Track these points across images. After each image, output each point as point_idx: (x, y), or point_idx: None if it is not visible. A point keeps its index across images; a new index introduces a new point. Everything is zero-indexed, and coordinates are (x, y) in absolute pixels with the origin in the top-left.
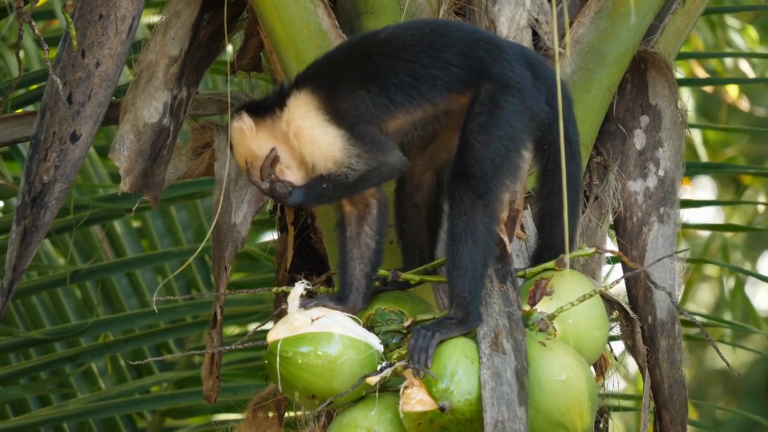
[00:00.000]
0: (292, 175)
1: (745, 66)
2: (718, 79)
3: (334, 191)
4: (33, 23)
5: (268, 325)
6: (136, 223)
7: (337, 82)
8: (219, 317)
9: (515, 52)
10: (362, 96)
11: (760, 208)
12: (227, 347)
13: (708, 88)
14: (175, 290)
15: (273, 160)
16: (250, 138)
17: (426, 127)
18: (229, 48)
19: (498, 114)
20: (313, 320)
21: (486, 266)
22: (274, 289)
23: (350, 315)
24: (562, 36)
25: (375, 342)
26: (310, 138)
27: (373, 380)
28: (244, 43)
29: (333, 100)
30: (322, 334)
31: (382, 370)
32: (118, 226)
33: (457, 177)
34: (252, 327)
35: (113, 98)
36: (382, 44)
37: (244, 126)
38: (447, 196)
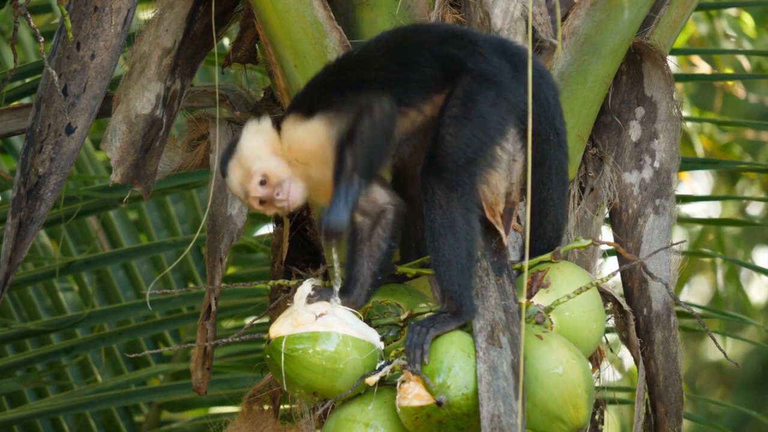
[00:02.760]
0: (294, 187)
1: (741, 55)
2: (714, 75)
3: (364, 150)
4: (29, 16)
5: (264, 320)
6: (132, 216)
7: (315, 102)
8: (213, 308)
9: (491, 45)
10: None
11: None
12: (225, 340)
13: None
14: (172, 282)
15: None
16: (265, 145)
17: (418, 136)
18: (225, 41)
19: (470, 107)
20: (317, 317)
21: (471, 257)
22: (270, 282)
23: (351, 309)
24: (556, 28)
25: (376, 339)
26: (300, 134)
27: (372, 381)
28: (239, 35)
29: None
30: (324, 333)
31: (380, 369)
32: (114, 218)
33: (429, 170)
34: (247, 320)
35: (108, 90)
36: (355, 62)
37: (264, 132)
38: (420, 190)
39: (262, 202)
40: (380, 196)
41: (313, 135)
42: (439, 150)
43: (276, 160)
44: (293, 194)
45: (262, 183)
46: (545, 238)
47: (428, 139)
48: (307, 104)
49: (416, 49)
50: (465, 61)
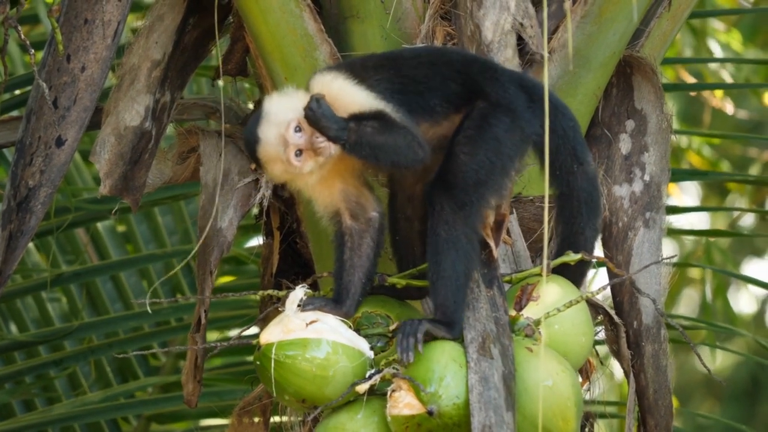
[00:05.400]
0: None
1: (725, 72)
2: (703, 84)
3: (374, 137)
4: (19, 28)
5: (254, 330)
6: (120, 228)
7: (365, 69)
8: (203, 321)
9: (510, 75)
10: (384, 81)
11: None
12: (212, 343)
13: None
14: (160, 294)
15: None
16: (293, 101)
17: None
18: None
19: (486, 129)
20: (307, 324)
21: (468, 276)
22: (260, 293)
23: (342, 319)
24: (547, 40)
25: (366, 348)
26: (345, 93)
27: (362, 388)
28: (229, 48)
29: (359, 74)
30: (314, 340)
31: (370, 377)
32: (102, 230)
33: (439, 186)
34: (232, 332)
35: (98, 103)
36: (383, 57)
37: (291, 94)
38: (428, 205)
39: (298, 154)
40: (368, 202)
41: (361, 99)
42: (451, 167)
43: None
44: (327, 150)
45: (298, 130)
46: (573, 271)
47: (436, 161)
48: (348, 68)
49: (443, 62)
50: (484, 86)
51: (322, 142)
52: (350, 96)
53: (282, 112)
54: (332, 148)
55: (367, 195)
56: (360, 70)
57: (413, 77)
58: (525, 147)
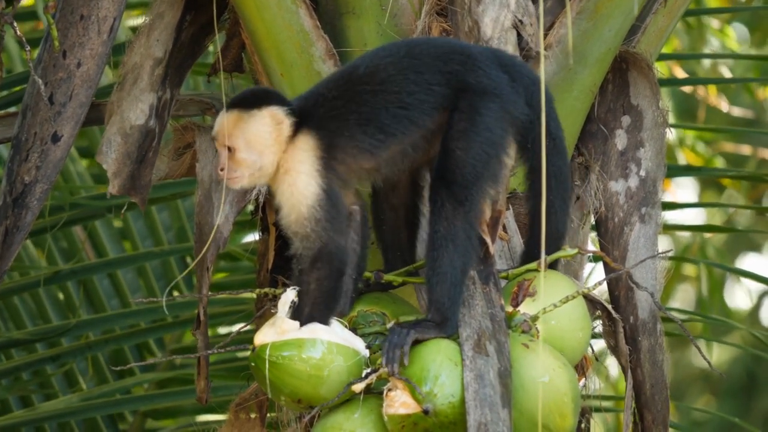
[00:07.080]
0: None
1: (723, 68)
2: (698, 79)
3: (324, 302)
4: (15, 24)
5: (250, 328)
6: (117, 224)
7: (339, 127)
8: (203, 318)
9: (488, 58)
10: (362, 138)
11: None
12: (212, 350)
13: (687, 89)
14: (156, 291)
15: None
16: (275, 134)
17: (416, 151)
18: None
19: (477, 120)
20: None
21: (465, 272)
22: (257, 291)
23: (337, 318)
24: (543, 37)
25: (361, 347)
26: (293, 181)
27: (358, 388)
28: (225, 44)
29: (333, 148)
30: (309, 340)
31: (366, 376)
32: (99, 227)
33: (439, 183)
34: (233, 328)
35: (94, 99)
36: (367, 79)
37: (282, 127)
38: (429, 202)
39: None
40: (346, 196)
41: (310, 194)
42: (449, 164)
43: (259, 155)
44: (233, 182)
45: (230, 150)
46: (546, 246)
47: (426, 153)
48: (328, 137)
49: (425, 65)
50: (468, 78)
51: (221, 172)
52: (296, 187)
53: (253, 132)
54: (225, 178)
55: (344, 190)
56: (337, 132)
57: (397, 100)
58: (512, 129)
